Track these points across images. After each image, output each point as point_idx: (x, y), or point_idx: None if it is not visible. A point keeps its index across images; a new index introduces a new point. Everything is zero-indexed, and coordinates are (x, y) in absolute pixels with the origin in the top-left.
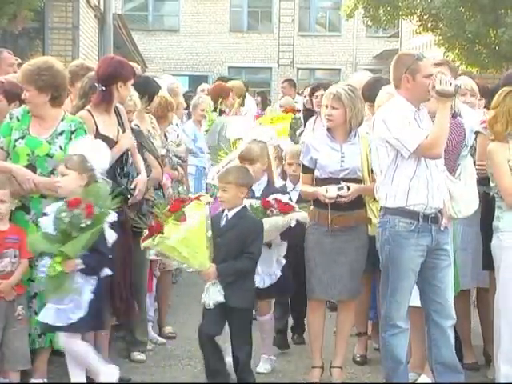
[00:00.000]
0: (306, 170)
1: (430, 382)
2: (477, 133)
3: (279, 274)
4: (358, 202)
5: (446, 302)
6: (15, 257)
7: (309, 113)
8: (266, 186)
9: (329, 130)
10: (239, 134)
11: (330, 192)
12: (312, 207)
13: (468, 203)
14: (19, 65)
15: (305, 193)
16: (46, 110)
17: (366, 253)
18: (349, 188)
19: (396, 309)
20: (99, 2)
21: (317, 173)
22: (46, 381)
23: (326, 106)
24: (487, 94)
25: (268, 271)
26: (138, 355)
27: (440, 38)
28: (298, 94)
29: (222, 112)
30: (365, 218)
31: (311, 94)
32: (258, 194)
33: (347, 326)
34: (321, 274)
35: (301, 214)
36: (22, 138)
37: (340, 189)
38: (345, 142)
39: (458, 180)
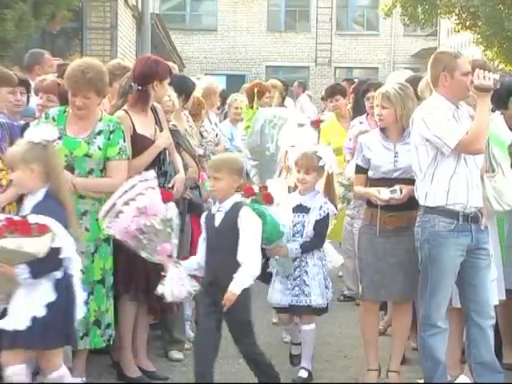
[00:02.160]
0: (360, 169)
1: (470, 381)
2: None
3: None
4: (411, 203)
5: (486, 301)
6: None
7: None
8: (40, 202)
9: (382, 129)
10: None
11: (382, 194)
12: (366, 207)
13: None
14: (61, 65)
15: (358, 194)
16: (94, 112)
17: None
18: (401, 191)
19: (436, 309)
20: (137, 2)
21: (370, 173)
22: (84, 380)
23: (378, 106)
24: None
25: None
26: (175, 354)
27: (478, 36)
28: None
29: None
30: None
31: (363, 96)
32: (27, 212)
33: (403, 328)
34: (372, 275)
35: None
36: (59, 138)
37: (393, 191)
38: (398, 142)
39: (493, 173)
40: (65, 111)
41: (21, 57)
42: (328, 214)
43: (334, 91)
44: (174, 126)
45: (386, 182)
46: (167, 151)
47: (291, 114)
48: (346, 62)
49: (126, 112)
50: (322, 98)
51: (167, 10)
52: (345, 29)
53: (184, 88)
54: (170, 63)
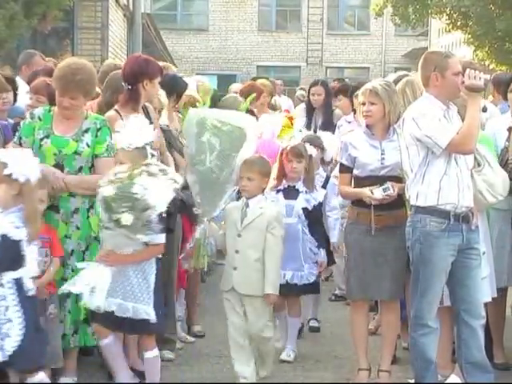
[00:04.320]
0: (345, 169)
1: (460, 381)
2: (510, 129)
3: None
4: (397, 202)
5: (477, 301)
6: (47, 256)
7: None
8: None
9: (367, 127)
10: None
11: (376, 194)
12: (350, 206)
13: (504, 182)
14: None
15: (346, 193)
16: (80, 111)
17: (407, 253)
18: (393, 187)
19: (427, 308)
20: (128, 2)
21: (356, 171)
22: (75, 380)
23: (363, 103)
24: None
25: None
26: (167, 354)
27: (469, 36)
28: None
29: (251, 112)
30: (404, 218)
31: (351, 94)
32: None
33: (391, 326)
34: (360, 274)
35: None
36: (47, 137)
37: (386, 189)
38: (384, 139)
39: (480, 167)
40: (50, 110)
41: (12, 56)
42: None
43: (337, 91)
44: (167, 126)
45: (373, 179)
46: (159, 151)
47: (249, 120)
48: (337, 61)
49: (117, 112)
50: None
51: (158, 9)
52: (336, 29)
53: (176, 87)
54: (165, 63)
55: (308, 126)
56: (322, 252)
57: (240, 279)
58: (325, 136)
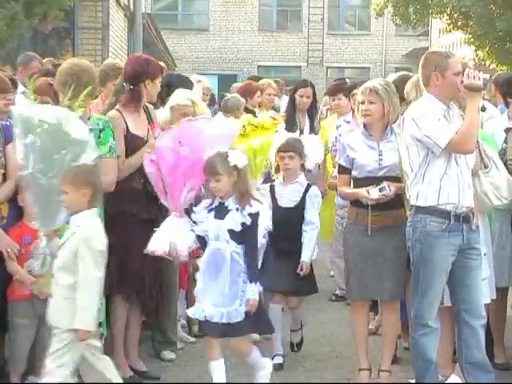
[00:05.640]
0: (344, 170)
1: (461, 381)
2: (507, 130)
3: None
4: (396, 202)
5: (478, 301)
6: None
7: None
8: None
9: (365, 127)
10: None
11: (372, 194)
12: (349, 206)
13: (509, 185)
14: (55, 66)
15: (344, 194)
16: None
17: (406, 253)
18: (389, 187)
19: (427, 308)
20: (129, 2)
21: (354, 172)
22: (76, 379)
23: (363, 102)
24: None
25: None
26: (167, 354)
27: (470, 36)
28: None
29: (249, 111)
30: (403, 218)
31: (348, 93)
32: None
33: (392, 326)
34: (360, 274)
35: None
36: None
37: (382, 189)
38: (382, 140)
39: (487, 169)
40: None
41: (12, 56)
42: None
43: (337, 90)
44: None
45: (371, 180)
46: None
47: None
48: (337, 61)
49: (119, 112)
50: (325, 94)
51: (159, 9)
52: (336, 29)
53: (183, 87)
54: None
55: (291, 129)
56: (251, 287)
57: (51, 307)
58: (307, 140)
